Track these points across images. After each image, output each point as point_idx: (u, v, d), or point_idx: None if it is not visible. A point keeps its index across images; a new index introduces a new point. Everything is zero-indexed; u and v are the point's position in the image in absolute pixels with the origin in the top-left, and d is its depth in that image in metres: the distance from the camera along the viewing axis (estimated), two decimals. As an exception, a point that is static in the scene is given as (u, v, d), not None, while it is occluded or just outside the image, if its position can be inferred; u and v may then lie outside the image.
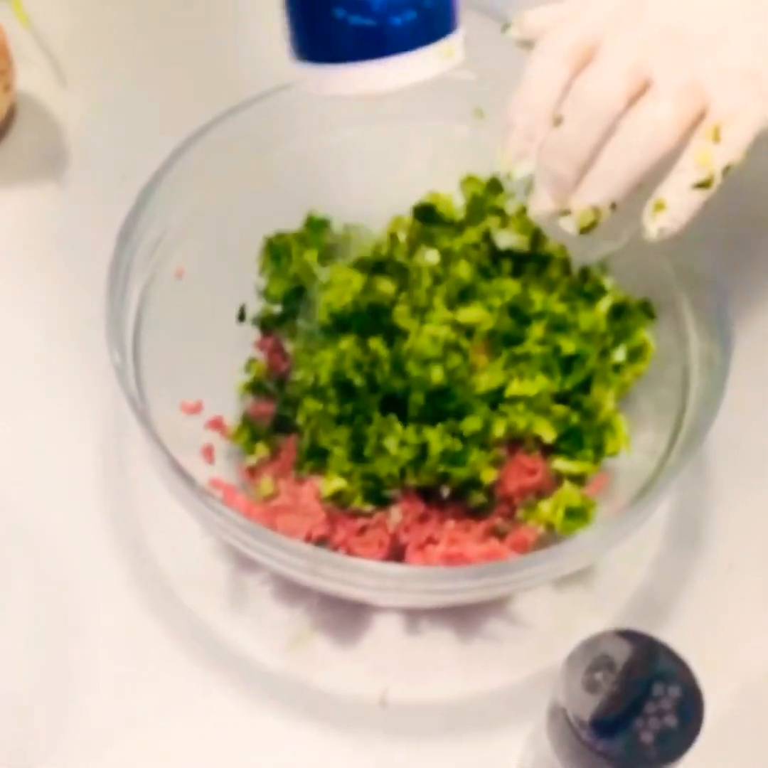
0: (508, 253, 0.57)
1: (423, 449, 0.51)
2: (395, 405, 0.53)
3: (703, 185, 0.46)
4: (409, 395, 0.53)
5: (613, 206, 0.47)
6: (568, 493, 0.53)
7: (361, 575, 0.46)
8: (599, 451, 0.54)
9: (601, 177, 0.47)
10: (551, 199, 0.48)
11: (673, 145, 0.46)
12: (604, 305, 0.55)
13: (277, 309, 0.58)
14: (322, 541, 0.52)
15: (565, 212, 0.48)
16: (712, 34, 0.46)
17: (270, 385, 0.57)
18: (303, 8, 0.41)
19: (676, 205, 0.46)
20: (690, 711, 0.41)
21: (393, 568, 0.48)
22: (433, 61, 0.43)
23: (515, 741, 0.52)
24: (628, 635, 0.42)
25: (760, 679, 0.54)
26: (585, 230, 0.48)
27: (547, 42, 0.48)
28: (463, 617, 0.54)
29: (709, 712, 0.52)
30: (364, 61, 0.42)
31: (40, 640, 0.53)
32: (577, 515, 0.52)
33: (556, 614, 0.55)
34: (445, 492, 0.52)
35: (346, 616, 0.54)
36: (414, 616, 0.54)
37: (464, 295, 0.56)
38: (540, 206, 0.49)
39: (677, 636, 0.54)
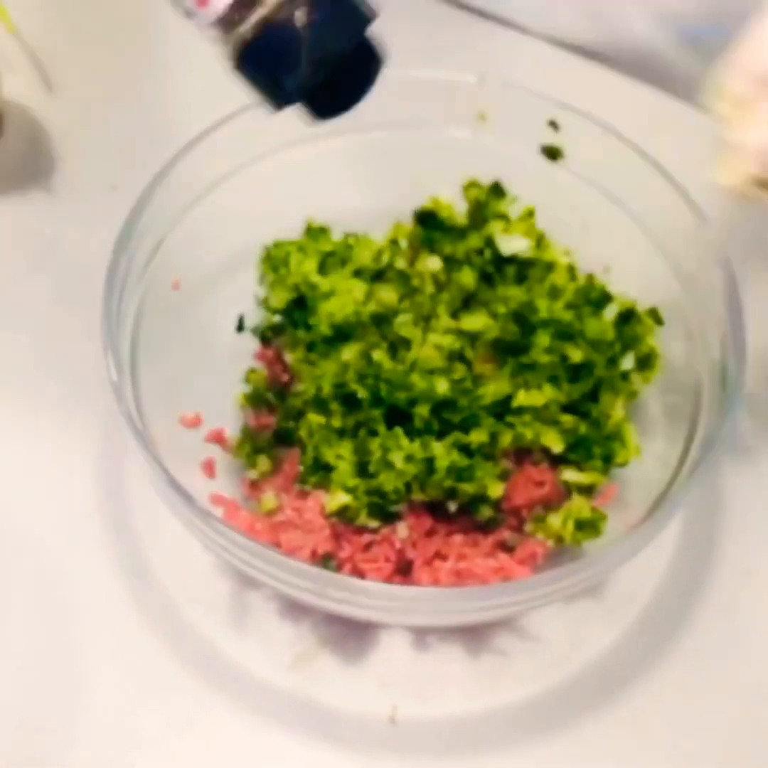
0: (512, 259, 0.56)
1: (429, 464, 0.50)
2: (399, 417, 0.52)
3: None
4: (413, 407, 0.52)
5: None
6: (578, 506, 0.52)
7: (368, 596, 0.45)
8: (608, 461, 0.53)
9: None
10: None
11: None
12: (610, 312, 0.54)
13: (277, 319, 0.57)
14: (327, 558, 0.51)
15: None
16: None
17: (271, 397, 0.56)
18: None
19: None
20: None
21: (400, 589, 0.47)
22: None
23: (527, 757, 0.51)
24: None
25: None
26: None
27: None
28: (471, 632, 0.53)
29: (728, 719, 0.51)
30: None
31: (39, 663, 0.52)
32: (587, 527, 0.51)
33: (566, 627, 0.53)
34: (452, 507, 0.51)
35: (353, 632, 0.53)
36: (422, 632, 0.53)
37: (468, 303, 0.55)
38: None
39: (693, 645, 0.53)
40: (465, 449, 0.51)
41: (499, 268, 0.56)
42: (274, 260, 0.57)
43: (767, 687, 0.53)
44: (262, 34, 0.40)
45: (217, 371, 0.57)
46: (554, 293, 0.55)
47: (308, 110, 0.43)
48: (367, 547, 0.51)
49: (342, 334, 0.54)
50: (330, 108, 0.43)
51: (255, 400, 0.56)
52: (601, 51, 0.69)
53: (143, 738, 0.51)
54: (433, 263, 0.56)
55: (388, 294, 0.55)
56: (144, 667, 0.52)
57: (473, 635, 0.53)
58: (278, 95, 0.42)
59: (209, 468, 0.55)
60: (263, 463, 0.54)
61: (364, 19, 0.41)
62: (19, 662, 0.52)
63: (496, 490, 0.51)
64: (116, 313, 0.51)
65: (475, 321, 0.54)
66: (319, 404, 0.53)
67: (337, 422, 0.52)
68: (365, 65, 0.43)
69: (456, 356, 0.53)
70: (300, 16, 0.39)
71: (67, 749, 0.50)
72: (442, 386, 0.51)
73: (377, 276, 0.56)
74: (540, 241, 0.57)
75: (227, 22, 0.40)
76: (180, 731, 0.51)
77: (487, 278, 0.56)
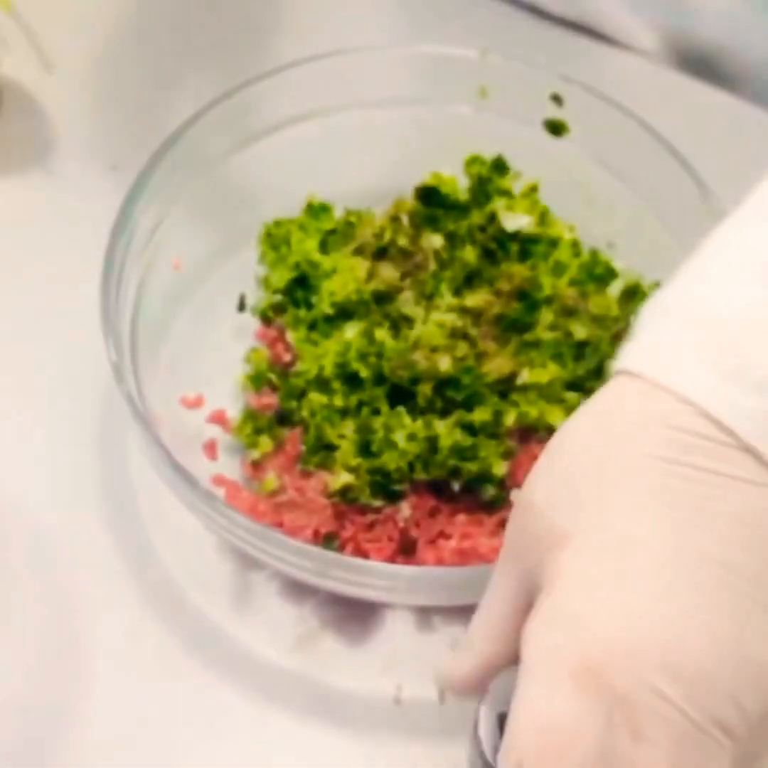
0: (516, 236, 0.56)
1: (432, 443, 0.50)
2: (402, 396, 0.52)
3: None
4: (416, 386, 0.51)
5: None
6: (583, 483, 0.51)
7: (372, 576, 0.45)
8: (613, 438, 0.52)
9: None
10: None
11: None
12: (615, 288, 0.54)
13: (278, 298, 0.57)
14: (330, 538, 0.51)
15: None
16: None
17: (273, 377, 0.56)
18: None
19: None
20: None
21: (404, 569, 0.47)
22: None
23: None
24: None
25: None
26: None
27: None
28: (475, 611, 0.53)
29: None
30: None
31: (39, 647, 0.51)
32: (592, 506, 0.51)
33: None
34: (456, 486, 0.51)
35: (356, 612, 0.53)
36: (426, 611, 0.53)
37: (470, 280, 0.55)
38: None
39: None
40: (468, 428, 0.51)
41: (502, 244, 0.56)
42: (274, 239, 0.57)
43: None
44: None
45: (219, 352, 0.56)
46: (558, 269, 0.55)
47: None
48: (370, 526, 0.51)
49: (344, 312, 0.54)
50: None
51: (257, 381, 0.56)
52: (604, 29, 0.68)
53: (146, 721, 0.50)
54: (435, 240, 0.56)
55: (389, 272, 0.55)
56: (146, 649, 0.52)
57: (478, 614, 0.53)
58: None
59: (211, 449, 0.54)
60: (265, 443, 0.54)
61: None
62: (19, 646, 0.51)
63: (500, 468, 0.51)
64: (116, 293, 0.51)
65: (478, 298, 0.54)
66: (321, 384, 0.52)
67: (339, 402, 0.52)
68: None
69: (459, 334, 0.53)
70: None
71: (68, 733, 0.50)
72: (444, 364, 0.51)
73: (379, 254, 0.56)
74: (544, 216, 0.56)
75: None
76: (183, 714, 0.51)
77: (490, 255, 0.55)
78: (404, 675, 0.52)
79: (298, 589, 0.53)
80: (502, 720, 0.40)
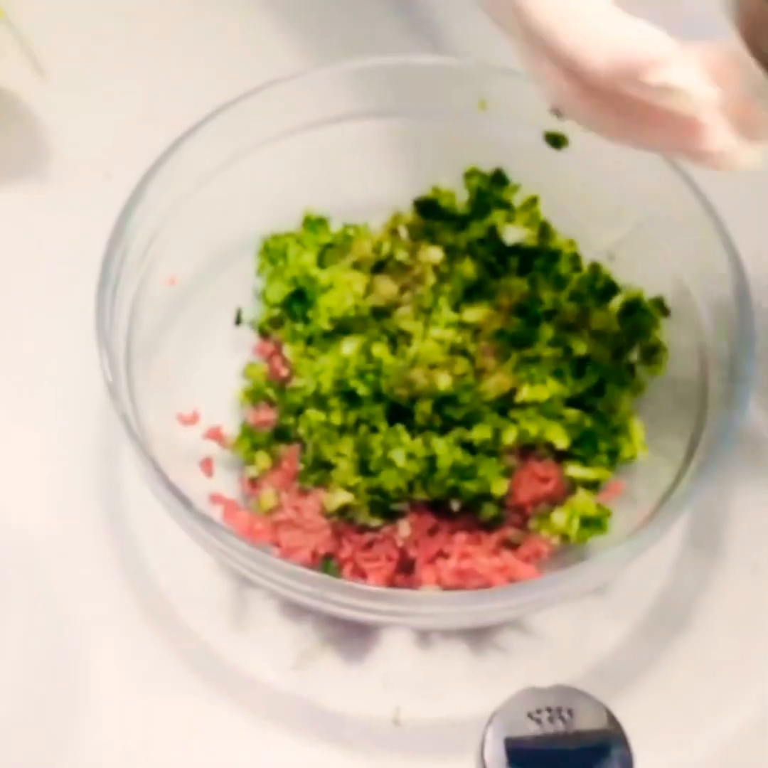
0: (515, 249, 0.55)
1: (431, 462, 0.49)
2: (401, 413, 0.51)
3: None
4: (415, 404, 0.51)
5: None
6: (583, 502, 0.51)
7: (372, 601, 0.44)
8: (614, 456, 0.52)
9: None
10: None
11: None
12: (616, 303, 0.53)
13: (276, 312, 0.56)
14: (328, 558, 0.50)
15: None
16: None
17: (270, 392, 0.55)
18: None
19: None
20: None
21: (405, 593, 0.46)
22: None
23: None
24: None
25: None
26: None
27: None
28: (475, 631, 0.52)
29: (735, 718, 0.51)
30: None
31: (34, 668, 0.51)
32: (592, 524, 0.51)
33: (571, 624, 0.53)
34: (455, 506, 0.50)
35: (355, 631, 0.52)
36: (425, 630, 0.52)
37: (470, 294, 0.54)
38: None
39: (700, 642, 0.53)
40: (468, 446, 0.50)
41: (501, 258, 0.55)
42: (272, 253, 0.56)
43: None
44: None
45: (215, 366, 0.56)
46: (558, 283, 0.54)
47: None
48: (369, 545, 0.50)
49: (342, 328, 0.53)
50: None
51: (254, 396, 0.55)
52: None
53: (142, 742, 0.50)
54: (434, 254, 0.55)
55: (388, 286, 0.54)
56: (143, 670, 0.51)
57: (477, 633, 0.52)
58: None
59: (207, 466, 0.54)
60: (262, 459, 0.53)
61: None
62: (14, 667, 0.51)
63: (500, 487, 0.50)
64: (110, 308, 0.50)
65: (478, 313, 0.53)
66: (319, 401, 0.52)
67: (337, 419, 0.51)
68: None
69: (458, 350, 0.52)
70: None
71: (64, 754, 0.49)
72: (443, 381, 0.50)
73: (377, 267, 0.55)
74: (544, 229, 0.56)
75: None
76: (179, 734, 0.50)
77: (489, 268, 0.55)
78: (403, 695, 0.51)
79: (296, 608, 0.52)
80: (508, 744, 0.40)
